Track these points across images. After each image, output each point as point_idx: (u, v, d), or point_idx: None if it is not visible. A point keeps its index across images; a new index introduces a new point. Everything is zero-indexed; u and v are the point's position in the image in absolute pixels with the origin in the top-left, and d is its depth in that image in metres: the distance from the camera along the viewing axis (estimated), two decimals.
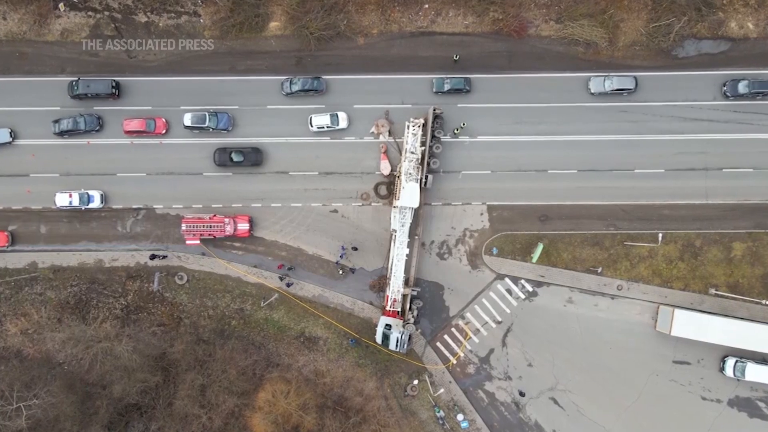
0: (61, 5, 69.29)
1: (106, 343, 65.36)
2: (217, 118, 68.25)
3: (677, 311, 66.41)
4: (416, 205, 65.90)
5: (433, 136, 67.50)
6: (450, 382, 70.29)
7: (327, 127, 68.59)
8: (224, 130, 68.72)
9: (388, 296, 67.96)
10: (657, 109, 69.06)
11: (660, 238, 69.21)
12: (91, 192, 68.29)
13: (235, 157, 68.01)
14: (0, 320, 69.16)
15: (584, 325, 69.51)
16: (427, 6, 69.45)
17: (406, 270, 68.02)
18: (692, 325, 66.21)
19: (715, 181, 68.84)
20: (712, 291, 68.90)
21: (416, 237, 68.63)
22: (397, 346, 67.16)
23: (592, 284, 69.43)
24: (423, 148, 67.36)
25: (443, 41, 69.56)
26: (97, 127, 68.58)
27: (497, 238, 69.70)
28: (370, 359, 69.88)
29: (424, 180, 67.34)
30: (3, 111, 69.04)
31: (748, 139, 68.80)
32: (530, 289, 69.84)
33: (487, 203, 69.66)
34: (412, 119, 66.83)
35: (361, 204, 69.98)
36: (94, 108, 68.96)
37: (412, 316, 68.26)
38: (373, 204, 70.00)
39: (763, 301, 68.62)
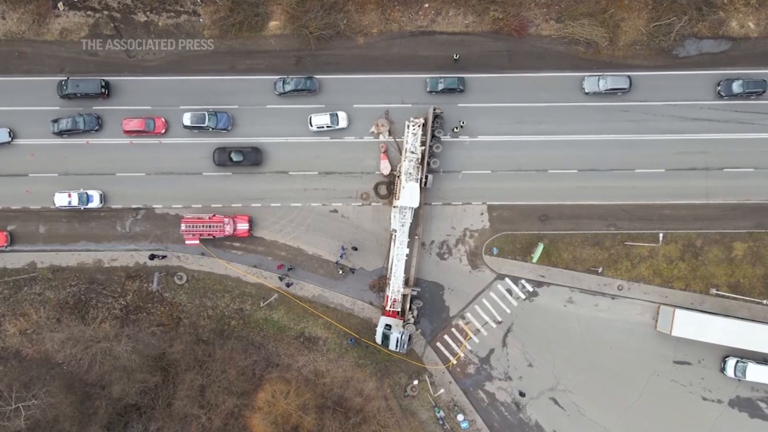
0: (60, 4, 69.13)
1: (105, 343, 65.23)
2: (216, 117, 68.10)
3: (678, 311, 66.28)
4: (416, 204, 65.77)
5: (433, 136, 67.37)
6: (450, 382, 70.16)
7: (327, 126, 68.45)
8: (224, 129, 68.57)
9: (388, 296, 67.82)
10: (657, 109, 68.93)
11: (661, 238, 69.09)
12: (90, 192, 68.14)
13: (235, 157, 67.86)
14: None
15: (585, 326, 69.38)
16: (427, 5, 69.32)
17: (406, 270, 67.88)
18: (693, 325, 66.09)
19: (716, 181, 68.72)
20: (713, 291, 68.78)
21: (416, 237, 68.49)
22: (397, 346, 67.02)
23: (593, 284, 69.30)
24: (423, 147, 67.23)
25: (443, 41, 69.43)
26: (97, 127, 68.42)
27: (497, 238, 69.57)
28: (370, 359, 69.74)
29: (424, 180, 67.21)
30: (2, 111, 68.86)
31: (749, 139, 68.68)
32: (530, 289, 69.71)
33: (488, 203, 69.53)
34: (412, 119, 66.71)
35: (361, 204, 69.84)
36: (93, 108, 68.81)
37: (412, 316, 68.13)
38: (373, 204, 69.86)
39: (764, 301, 68.50)
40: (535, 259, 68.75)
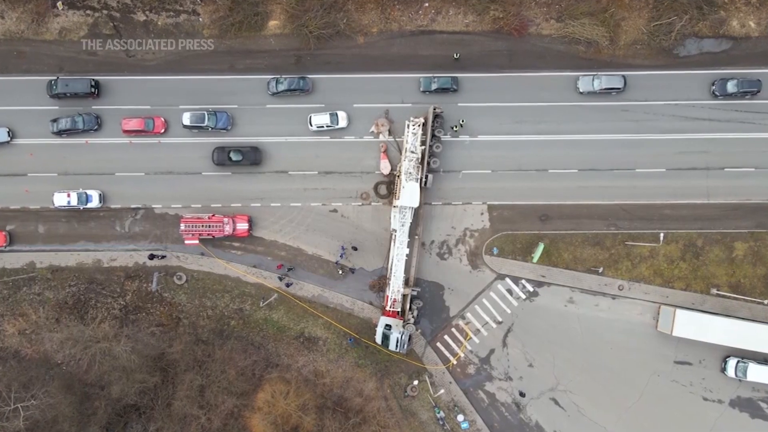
0: (59, 4, 68.99)
1: (104, 343, 65.13)
2: (216, 117, 67.96)
3: (679, 311, 66.15)
4: (416, 204, 65.63)
5: (433, 136, 67.24)
6: (450, 382, 70.02)
7: (327, 126, 68.31)
8: (223, 129, 68.43)
9: (387, 296, 67.69)
10: (658, 108, 68.78)
11: (661, 238, 68.95)
12: (89, 192, 68.00)
13: (234, 156, 67.70)
14: None
15: (585, 326, 69.24)
16: (427, 4, 69.16)
17: (406, 270, 67.74)
18: (694, 325, 65.95)
19: (717, 181, 68.57)
20: (714, 291, 68.65)
21: (416, 237, 68.36)
22: (397, 346, 66.89)
23: (593, 284, 69.16)
24: (423, 147, 67.08)
25: (443, 40, 69.28)
26: (96, 127, 68.28)
27: (498, 237, 69.42)
28: (370, 359, 69.61)
29: (424, 179, 67.07)
30: (1, 110, 68.69)
31: (750, 139, 68.54)
32: (531, 289, 69.57)
33: (488, 203, 69.40)
34: (412, 118, 66.58)
35: (360, 204, 69.70)
36: (93, 107, 68.66)
37: (412, 317, 68.00)
38: (372, 203, 69.72)
39: (765, 301, 68.37)
40: (535, 259, 68.61)
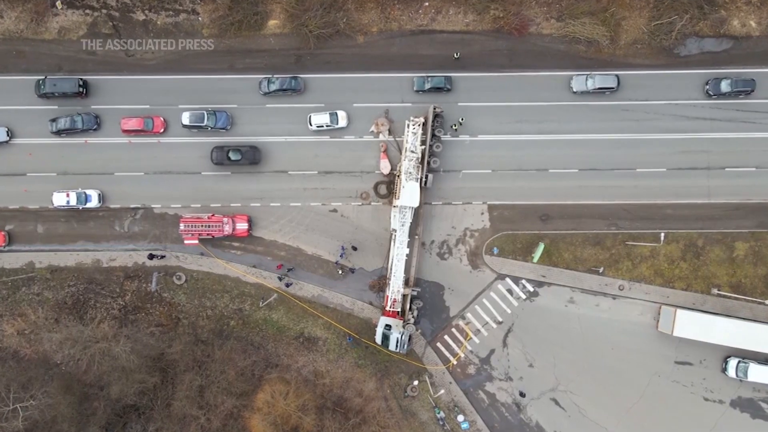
0: (58, 3, 68.87)
1: (103, 343, 64.96)
2: (215, 116, 67.82)
3: (679, 311, 66.00)
4: (416, 204, 65.49)
5: (433, 135, 67.12)
6: (450, 382, 69.88)
7: (326, 125, 68.19)
8: (223, 129, 68.28)
9: (387, 296, 67.55)
10: (659, 108, 68.64)
11: (662, 238, 68.80)
12: (88, 191, 67.84)
13: (233, 156, 67.53)
14: None
15: (585, 326, 69.09)
16: (427, 4, 69.02)
17: (406, 270, 67.60)
18: (694, 325, 65.80)
19: (718, 181, 68.43)
20: (715, 291, 68.50)
21: (416, 237, 68.22)
22: (397, 346, 66.74)
23: (594, 284, 69.01)
24: (423, 146, 66.95)
25: (444, 39, 69.14)
26: (95, 126, 68.14)
27: (498, 237, 69.28)
28: (370, 360, 69.47)
29: (424, 179, 66.95)
30: (0, 110, 68.47)
31: (751, 138, 68.40)
32: (531, 289, 69.42)
33: (488, 202, 69.25)
34: (412, 118, 66.46)
35: (360, 203, 69.56)
36: (92, 107, 68.51)
37: (412, 317, 67.86)
38: (372, 203, 69.57)
39: (766, 302, 68.21)
40: (535, 259, 68.48)
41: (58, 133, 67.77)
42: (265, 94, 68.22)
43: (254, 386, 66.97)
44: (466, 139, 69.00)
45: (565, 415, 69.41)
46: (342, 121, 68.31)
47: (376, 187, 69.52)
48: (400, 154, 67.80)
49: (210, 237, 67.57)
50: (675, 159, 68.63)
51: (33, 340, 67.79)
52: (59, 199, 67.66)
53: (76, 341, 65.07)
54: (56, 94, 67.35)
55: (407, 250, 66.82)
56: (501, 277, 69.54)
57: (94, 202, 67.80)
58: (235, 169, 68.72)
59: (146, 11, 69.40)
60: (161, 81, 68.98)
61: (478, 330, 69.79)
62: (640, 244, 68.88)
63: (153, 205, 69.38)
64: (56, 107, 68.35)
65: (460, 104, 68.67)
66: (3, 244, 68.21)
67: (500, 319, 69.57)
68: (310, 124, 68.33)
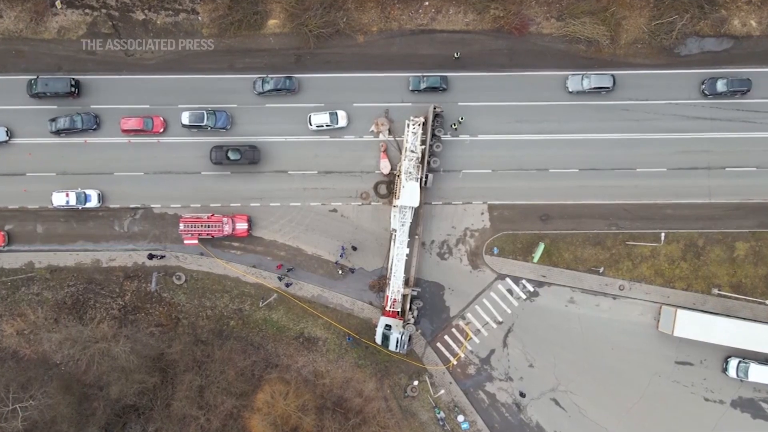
0: (57, 2, 68.76)
1: (103, 343, 64.87)
2: (215, 116, 67.71)
3: (680, 311, 65.90)
4: (416, 204, 65.38)
5: (433, 135, 67.02)
6: (450, 382, 69.78)
7: (326, 125, 68.09)
8: (222, 128, 68.17)
9: (387, 296, 67.45)
10: (659, 108, 68.54)
11: (662, 238, 68.70)
12: (88, 191, 67.73)
13: (232, 155, 67.39)
14: None
15: (586, 326, 68.99)
16: (427, 3, 68.93)
17: (406, 270, 67.51)
18: (695, 325, 65.70)
19: (718, 180, 68.33)
20: (715, 291, 68.41)
21: (416, 236, 68.12)
22: (397, 346, 66.64)
23: (594, 284, 68.92)
24: (423, 146, 66.84)
25: (444, 39, 69.03)
26: (95, 126, 68.02)
27: (498, 237, 69.18)
28: (370, 360, 69.38)
29: (424, 179, 66.84)
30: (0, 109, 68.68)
31: (752, 138, 68.30)
32: (531, 289, 69.32)
33: (488, 202, 69.16)
34: (412, 117, 66.35)
35: (360, 203, 69.45)
36: (91, 106, 68.41)
37: (412, 317, 67.76)
38: (372, 203, 69.48)
39: (767, 302, 68.09)
40: (536, 259, 68.37)
41: (58, 132, 67.67)
42: (260, 94, 68.13)
43: (254, 386, 66.87)
44: (467, 138, 68.90)
45: (565, 415, 69.32)
46: (342, 121, 68.21)
47: (376, 187, 69.42)
48: (400, 153, 67.69)
49: (210, 237, 67.47)
50: (675, 159, 68.53)
51: (32, 340, 67.70)
52: (59, 199, 67.56)
53: (75, 341, 64.99)
54: (48, 94, 67.22)
55: (407, 250, 66.72)
56: (501, 277, 69.45)
57: (93, 202, 67.69)
58: (234, 168, 68.62)
59: (146, 11, 69.30)
60: (161, 81, 68.86)
61: (478, 330, 69.69)
62: (641, 244, 68.79)
63: (153, 205, 69.28)
64: (55, 107, 68.24)
65: (460, 104, 68.57)
66: (2, 244, 68.11)
67: (500, 319, 69.48)
68: (310, 124, 68.23)
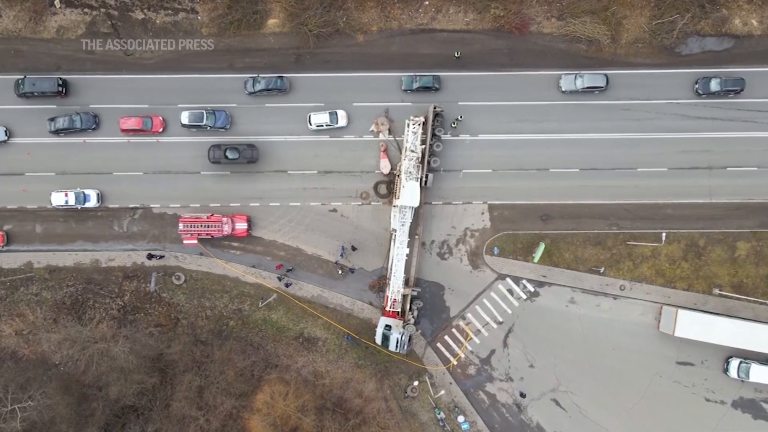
0: (56, 2, 68.58)
1: (102, 344, 64.69)
2: (214, 116, 67.54)
3: (681, 312, 65.74)
4: (416, 204, 65.22)
5: (433, 135, 66.86)
6: (450, 383, 69.61)
7: (326, 125, 67.94)
8: (222, 128, 67.99)
9: (387, 296, 67.30)
10: (660, 107, 68.39)
11: (663, 238, 68.54)
12: (87, 191, 67.57)
13: (230, 154, 67.15)
14: None
15: (586, 326, 68.84)
16: (427, 3, 68.77)
17: (406, 270, 67.35)
18: (696, 325, 65.55)
19: (719, 180, 68.17)
20: (716, 291, 68.25)
21: (416, 236, 67.96)
22: (397, 346, 66.49)
23: (595, 284, 68.76)
24: (423, 146, 66.68)
25: (444, 38, 68.88)
26: (94, 126, 67.86)
27: (498, 237, 69.02)
28: (370, 360, 69.22)
29: (424, 179, 66.68)
30: None
31: (753, 138, 68.16)
32: (532, 290, 69.16)
33: (488, 202, 69.00)
34: (412, 117, 66.19)
35: (360, 203, 69.30)
36: (90, 106, 68.23)
37: (412, 317, 67.61)
38: (372, 203, 69.31)
39: None
40: (536, 259, 68.21)
41: (57, 132, 67.50)
42: (250, 93, 67.91)
43: (254, 387, 66.73)
44: (467, 138, 68.74)
45: (565, 415, 69.15)
46: (342, 121, 68.05)
47: (376, 187, 69.26)
48: (400, 153, 67.53)
49: (209, 237, 67.31)
50: (676, 158, 68.38)
51: (31, 340, 67.53)
52: (58, 199, 67.39)
53: (74, 342, 64.82)
54: (35, 94, 66.98)
55: (407, 250, 66.57)
56: (501, 277, 69.28)
57: (92, 202, 67.52)
58: (234, 168, 68.44)
59: (145, 10, 69.12)
60: (160, 80, 68.70)
61: (479, 330, 69.53)
62: (642, 244, 68.62)
63: (152, 205, 69.12)
64: (54, 106, 68.06)
65: (460, 103, 68.42)
66: (1, 244, 67.97)
67: (501, 320, 69.32)
68: (310, 124, 68.07)
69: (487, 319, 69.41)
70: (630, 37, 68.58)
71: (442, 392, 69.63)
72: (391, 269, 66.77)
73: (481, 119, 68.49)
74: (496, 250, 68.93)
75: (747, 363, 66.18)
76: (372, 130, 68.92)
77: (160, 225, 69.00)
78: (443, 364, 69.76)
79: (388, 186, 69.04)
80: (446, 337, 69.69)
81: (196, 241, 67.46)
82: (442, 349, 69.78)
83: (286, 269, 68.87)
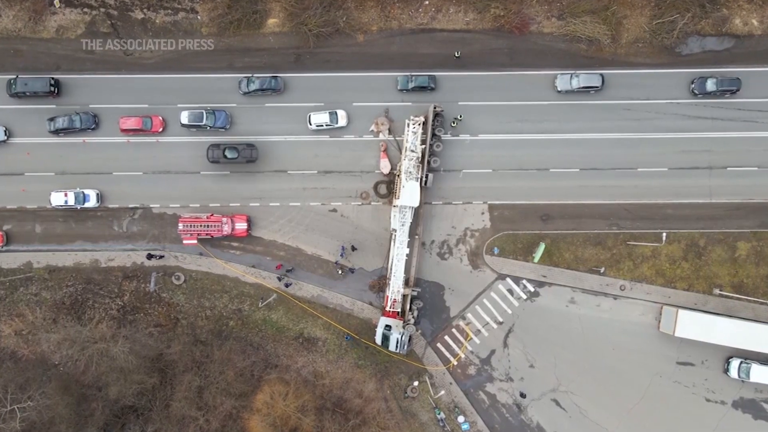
0: (56, 1, 68.50)
1: (101, 344, 64.62)
2: (214, 116, 67.46)
3: (681, 312, 65.68)
4: (416, 204, 65.15)
5: (433, 134, 66.78)
6: (451, 383, 69.55)
7: (326, 125, 67.87)
8: (222, 128, 67.91)
9: (387, 296, 67.22)
10: (660, 107, 68.33)
11: (663, 238, 68.48)
12: (86, 191, 67.50)
13: (229, 154, 67.04)
14: None
15: (586, 326, 68.77)
16: (427, 2, 68.70)
17: (406, 270, 67.28)
18: (696, 325, 65.49)
19: (720, 180, 68.11)
20: (717, 291, 68.19)
21: (416, 236, 67.90)
22: (397, 347, 66.41)
23: (595, 284, 68.69)
24: (423, 146, 66.60)
25: (444, 38, 68.82)
26: (93, 126, 67.78)
27: (498, 237, 68.95)
28: (370, 360, 69.16)
29: (424, 179, 66.61)
30: None
31: (753, 138, 68.09)
32: (532, 290, 69.09)
33: (488, 202, 68.93)
34: (412, 117, 66.12)
35: (360, 203, 69.23)
36: (90, 106, 68.16)
37: (412, 317, 67.54)
38: (372, 203, 69.24)
39: None
40: (536, 259, 68.14)
41: (56, 132, 67.43)
42: (245, 93, 67.81)
43: (253, 387, 66.66)
44: (467, 138, 68.67)
45: (566, 415, 69.09)
46: (342, 121, 67.98)
47: (376, 187, 69.19)
48: (400, 153, 67.46)
49: (209, 237, 67.22)
50: (676, 158, 68.33)
51: (31, 340, 67.48)
52: (57, 199, 67.31)
53: (74, 342, 64.75)
54: (27, 94, 66.84)
55: (407, 250, 66.50)
56: (501, 277, 69.21)
57: (92, 202, 67.45)
58: (233, 168, 68.36)
59: (145, 10, 69.05)
60: (160, 80, 68.63)
61: (479, 330, 69.46)
62: (642, 244, 68.56)
63: (152, 205, 69.05)
64: (54, 106, 67.98)
65: (460, 103, 68.34)
66: (1, 244, 67.91)
67: (501, 320, 69.25)
68: (310, 124, 67.99)
69: (487, 319, 69.35)
70: (630, 36, 68.52)
71: (442, 392, 69.57)
72: (391, 269, 66.70)
73: (481, 119, 68.44)
74: (496, 250, 68.87)
75: (747, 363, 66.14)
76: (372, 130, 68.85)
77: (160, 225, 68.93)
78: (443, 365, 69.69)
79: (388, 186, 68.98)
80: (446, 338, 69.63)
81: (195, 241, 67.39)
82: (442, 349, 69.72)
83: (286, 269, 68.81)
